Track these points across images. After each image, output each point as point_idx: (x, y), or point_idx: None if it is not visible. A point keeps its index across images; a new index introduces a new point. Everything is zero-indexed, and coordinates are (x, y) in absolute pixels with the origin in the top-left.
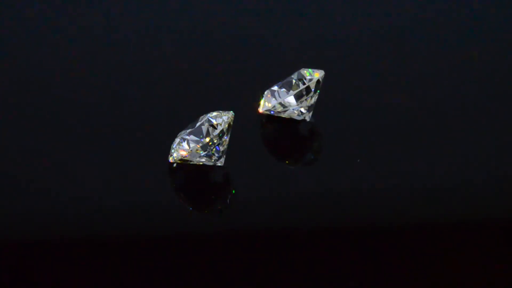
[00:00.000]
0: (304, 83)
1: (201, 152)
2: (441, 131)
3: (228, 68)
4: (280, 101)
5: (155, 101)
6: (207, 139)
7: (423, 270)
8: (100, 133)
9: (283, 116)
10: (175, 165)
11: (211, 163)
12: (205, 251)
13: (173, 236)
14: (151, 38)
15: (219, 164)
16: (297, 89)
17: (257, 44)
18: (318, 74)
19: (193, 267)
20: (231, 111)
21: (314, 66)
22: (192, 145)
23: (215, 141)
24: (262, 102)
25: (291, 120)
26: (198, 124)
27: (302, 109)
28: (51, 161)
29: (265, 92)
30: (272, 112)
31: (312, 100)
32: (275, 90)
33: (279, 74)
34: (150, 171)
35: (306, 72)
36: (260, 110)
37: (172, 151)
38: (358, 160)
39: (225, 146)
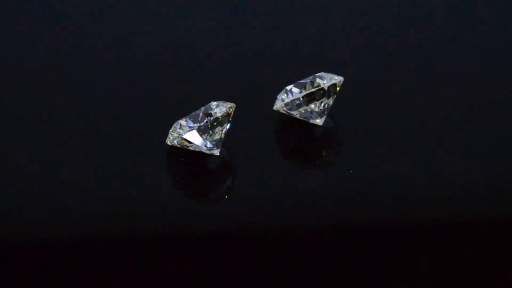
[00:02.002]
0: (318, 86)
1: (193, 138)
2: (455, 136)
3: (252, 65)
4: (291, 99)
5: (175, 91)
6: (199, 126)
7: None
8: (113, 119)
9: (296, 116)
10: (174, 142)
11: (207, 152)
12: (199, 245)
13: (166, 225)
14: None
15: (215, 153)
16: (309, 90)
17: (284, 44)
18: (335, 79)
19: (189, 261)
20: (233, 103)
21: (342, 72)
22: (184, 129)
23: (209, 128)
24: (276, 99)
25: (303, 122)
26: (197, 111)
27: (314, 112)
28: (42, 155)
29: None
30: (284, 111)
31: (326, 104)
32: (288, 89)
33: (303, 76)
34: (148, 153)
35: (323, 76)
36: (274, 107)
37: (169, 133)
38: (351, 171)
39: (220, 136)
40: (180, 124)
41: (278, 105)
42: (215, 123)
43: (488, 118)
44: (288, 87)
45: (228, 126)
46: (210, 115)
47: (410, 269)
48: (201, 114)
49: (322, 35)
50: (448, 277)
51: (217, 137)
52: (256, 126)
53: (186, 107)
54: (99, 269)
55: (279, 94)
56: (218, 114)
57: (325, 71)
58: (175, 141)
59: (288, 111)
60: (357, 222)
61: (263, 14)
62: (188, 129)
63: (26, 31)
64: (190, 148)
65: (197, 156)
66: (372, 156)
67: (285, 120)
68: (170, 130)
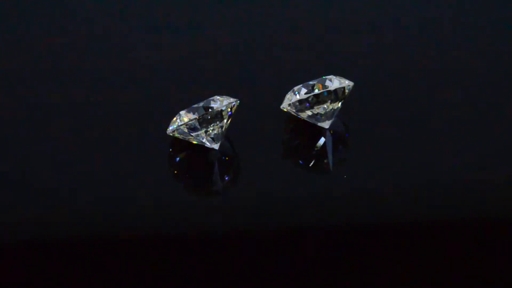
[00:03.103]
0: (326, 88)
1: (190, 130)
2: (464, 140)
3: (263, 64)
4: (298, 99)
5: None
6: (199, 118)
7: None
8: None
9: (303, 117)
10: (175, 133)
11: (207, 145)
12: (195, 242)
13: (163, 220)
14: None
15: (215, 147)
16: (317, 91)
17: (298, 45)
18: (345, 83)
19: (186, 259)
20: (236, 99)
21: (354, 77)
22: (184, 121)
23: (209, 121)
24: (284, 99)
25: (310, 124)
26: (199, 103)
27: (321, 114)
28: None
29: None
30: (292, 111)
31: (333, 107)
32: (296, 89)
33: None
34: (149, 144)
35: (333, 78)
36: (281, 106)
37: (170, 124)
38: (345, 176)
39: (221, 130)
40: (181, 115)
41: (285, 105)
42: (215, 117)
43: (495, 121)
44: (296, 87)
45: (229, 121)
46: (212, 108)
47: (411, 270)
48: (202, 106)
49: (336, 38)
50: (449, 278)
51: (217, 131)
52: (262, 125)
53: (192, 101)
54: (98, 265)
55: (287, 94)
56: (219, 108)
57: (336, 75)
58: (175, 132)
59: (295, 112)
60: (360, 223)
61: (278, 13)
62: (188, 120)
63: (25, 30)
64: (192, 140)
65: (198, 149)
66: (377, 160)
67: (292, 120)
68: (172, 121)
